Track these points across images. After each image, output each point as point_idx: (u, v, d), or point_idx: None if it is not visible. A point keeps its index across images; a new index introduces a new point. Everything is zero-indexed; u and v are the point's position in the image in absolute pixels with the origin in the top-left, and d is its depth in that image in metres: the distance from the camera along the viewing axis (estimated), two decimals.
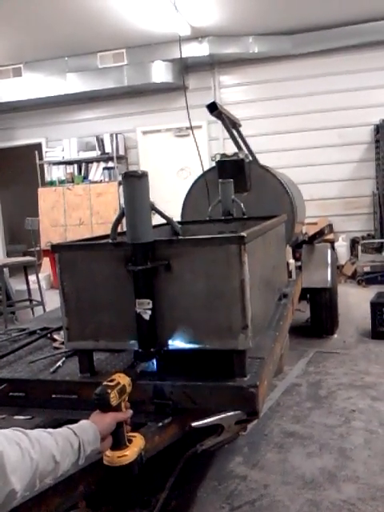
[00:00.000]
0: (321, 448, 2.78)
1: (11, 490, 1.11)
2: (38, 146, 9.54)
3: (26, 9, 6.57)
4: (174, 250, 1.84)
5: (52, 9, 6.62)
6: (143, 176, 1.82)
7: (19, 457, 1.15)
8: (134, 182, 1.82)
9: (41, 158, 9.38)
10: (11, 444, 1.16)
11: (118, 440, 1.48)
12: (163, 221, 2.04)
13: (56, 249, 1.99)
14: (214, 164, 4.06)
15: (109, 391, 1.48)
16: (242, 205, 3.40)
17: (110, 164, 9.08)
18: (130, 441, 1.53)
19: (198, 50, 8.08)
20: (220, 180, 3.52)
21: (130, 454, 1.49)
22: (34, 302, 6.06)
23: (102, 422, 1.45)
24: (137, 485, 2.30)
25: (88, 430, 1.40)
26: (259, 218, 2.95)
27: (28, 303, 6.12)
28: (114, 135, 8.98)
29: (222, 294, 1.79)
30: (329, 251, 4.90)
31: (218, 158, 3.95)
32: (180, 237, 1.88)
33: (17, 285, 6.71)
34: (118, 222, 1.93)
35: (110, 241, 1.93)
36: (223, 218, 3.40)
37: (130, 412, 1.55)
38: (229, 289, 1.78)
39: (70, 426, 1.39)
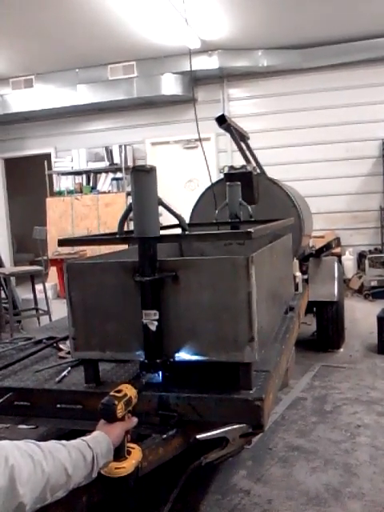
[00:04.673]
0: (325, 463, 2.76)
1: (20, 502, 1.10)
2: (48, 156, 9.61)
3: (38, 21, 6.67)
4: (182, 261, 1.84)
5: (63, 21, 6.70)
6: (151, 171, 1.83)
7: (31, 470, 1.14)
8: (143, 177, 1.82)
9: (50, 168, 9.44)
10: (24, 456, 1.15)
11: (117, 451, 1.47)
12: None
13: (63, 243, 2.00)
14: (222, 176, 4.08)
15: (116, 403, 1.47)
16: (249, 208, 3.39)
17: (119, 175, 9.14)
18: (129, 452, 1.52)
19: (207, 63, 8.14)
20: (228, 183, 3.52)
21: (128, 466, 1.48)
22: (41, 311, 6.07)
23: (113, 434, 1.44)
24: (140, 496, 2.28)
25: (102, 442, 1.39)
26: (266, 221, 2.92)
27: (34, 312, 6.13)
28: (123, 146, 9.05)
29: (228, 306, 1.79)
30: (336, 265, 4.89)
31: (226, 170, 3.96)
32: (187, 233, 1.88)
33: (23, 294, 6.72)
34: (125, 216, 1.94)
35: (117, 236, 1.93)
36: (230, 221, 3.39)
37: (135, 420, 1.55)
38: (235, 301, 1.78)
39: (85, 437, 1.38)
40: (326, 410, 3.49)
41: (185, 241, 1.86)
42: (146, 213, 1.82)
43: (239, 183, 3.47)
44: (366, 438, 3.02)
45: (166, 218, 2.41)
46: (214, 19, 6.97)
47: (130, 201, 1.88)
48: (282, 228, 2.90)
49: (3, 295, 6.16)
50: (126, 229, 2.09)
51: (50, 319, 5.76)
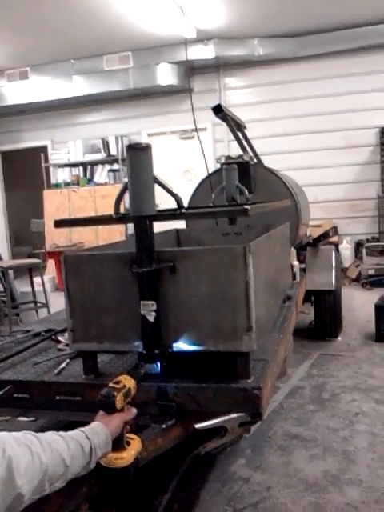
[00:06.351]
0: (324, 451, 2.78)
1: (18, 493, 1.11)
2: (44, 149, 9.57)
3: (32, 12, 6.61)
4: (179, 252, 1.84)
5: (58, 12, 6.65)
6: (147, 148, 1.82)
7: (29, 461, 1.15)
8: (138, 154, 1.82)
9: (46, 161, 9.42)
10: (21, 447, 1.16)
11: (117, 441, 1.48)
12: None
13: (59, 224, 2.02)
14: (218, 166, 4.07)
15: (115, 394, 1.47)
16: (246, 191, 3.38)
17: (115, 166, 9.12)
18: (128, 443, 1.53)
19: (203, 52, 8.10)
20: (224, 166, 3.51)
21: (128, 457, 1.49)
22: (39, 304, 6.07)
23: (111, 424, 1.45)
24: (139, 486, 2.30)
25: (100, 433, 1.40)
26: (262, 202, 2.89)
27: (32, 305, 6.13)
28: (120, 137, 9.02)
29: (226, 296, 1.79)
30: (333, 254, 4.89)
31: (222, 160, 3.95)
32: (183, 210, 1.89)
33: (21, 287, 6.72)
34: (121, 196, 1.94)
35: (114, 216, 1.93)
36: (227, 204, 3.39)
37: (134, 411, 1.56)
38: (233, 291, 1.78)
39: (83, 428, 1.39)
40: (324, 398, 3.51)
41: (180, 218, 1.85)
42: (142, 191, 1.82)
43: (236, 166, 3.46)
44: (365, 426, 3.04)
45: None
46: (209, 8, 6.92)
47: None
48: (279, 217, 2.89)
49: (1, 288, 6.17)
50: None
51: (49, 312, 5.76)
